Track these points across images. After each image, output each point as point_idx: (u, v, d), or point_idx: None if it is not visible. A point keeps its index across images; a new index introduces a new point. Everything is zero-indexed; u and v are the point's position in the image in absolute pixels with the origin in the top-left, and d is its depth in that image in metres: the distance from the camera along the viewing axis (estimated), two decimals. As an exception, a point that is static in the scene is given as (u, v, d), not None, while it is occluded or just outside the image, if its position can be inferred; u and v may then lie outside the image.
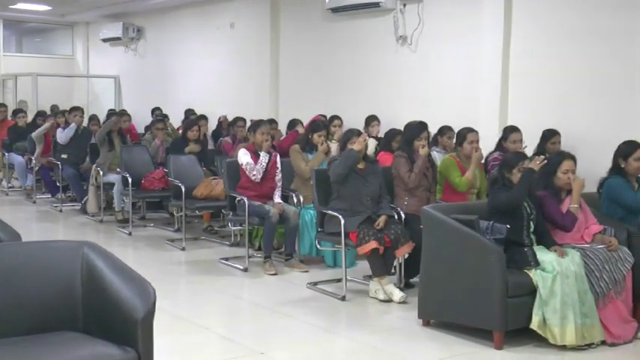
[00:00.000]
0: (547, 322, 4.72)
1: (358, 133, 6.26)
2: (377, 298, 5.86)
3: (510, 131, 7.02)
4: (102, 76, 15.76)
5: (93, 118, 11.48)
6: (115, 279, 3.26)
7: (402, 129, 7.32)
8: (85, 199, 9.74)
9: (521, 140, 6.94)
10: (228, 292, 6.26)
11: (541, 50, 7.65)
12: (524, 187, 5.04)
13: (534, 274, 4.79)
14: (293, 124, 9.08)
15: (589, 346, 4.76)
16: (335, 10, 9.74)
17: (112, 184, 9.17)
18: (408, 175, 6.23)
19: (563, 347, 4.70)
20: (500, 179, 5.21)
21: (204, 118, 10.65)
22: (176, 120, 11.83)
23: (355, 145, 6.05)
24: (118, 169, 8.99)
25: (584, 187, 5.25)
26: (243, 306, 6.09)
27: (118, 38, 14.39)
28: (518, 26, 7.82)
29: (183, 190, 7.74)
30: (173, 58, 13.39)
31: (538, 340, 4.77)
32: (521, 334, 4.81)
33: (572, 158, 5.32)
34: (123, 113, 11.32)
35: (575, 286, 4.78)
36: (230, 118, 10.45)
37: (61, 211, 10.14)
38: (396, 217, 6.12)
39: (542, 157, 5.21)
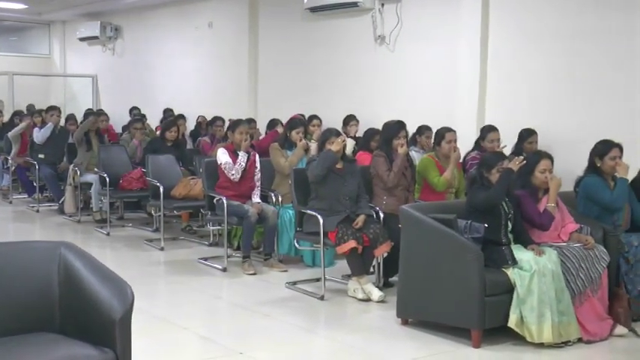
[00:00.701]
0: (524, 320, 4.75)
1: (336, 133, 6.26)
2: (356, 298, 5.87)
3: (488, 131, 7.07)
4: (79, 76, 15.65)
5: (70, 118, 11.38)
6: (92, 279, 3.24)
7: (381, 128, 7.34)
8: (62, 199, 9.66)
9: (498, 140, 6.99)
10: (207, 292, 6.25)
11: (518, 50, 7.71)
12: (503, 187, 5.06)
13: (512, 273, 4.82)
14: (273, 124, 9.07)
15: (566, 343, 4.81)
16: (313, 9, 9.75)
17: (89, 184, 9.11)
18: (387, 175, 6.25)
19: (541, 345, 4.74)
20: (479, 179, 5.23)
21: (182, 117, 10.61)
22: (154, 120, 11.77)
23: (333, 146, 6.05)
24: (96, 169, 8.94)
25: (561, 187, 5.29)
26: (222, 306, 6.07)
27: (96, 37, 14.30)
28: (496, 27, 7.87)
29: (161, 190, 7.70)
30: (151, 58, 13.33)
31: (515, 338, 4.80)
32: (499, 332, 4.84)
33: (550, 157, 5.36)
34: (100, 113, 11.25)
35: (552, 284, 4.82)
36: (208, 118, 10.43)
37: (38, 211, 10.06)
38: (375, 216, 6.13)
39: (522, 157, 5.23)
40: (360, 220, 5.93)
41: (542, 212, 5.17)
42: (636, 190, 5.59)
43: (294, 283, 6.34)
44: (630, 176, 5.62)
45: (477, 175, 5.28)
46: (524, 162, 5.18)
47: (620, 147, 5.60)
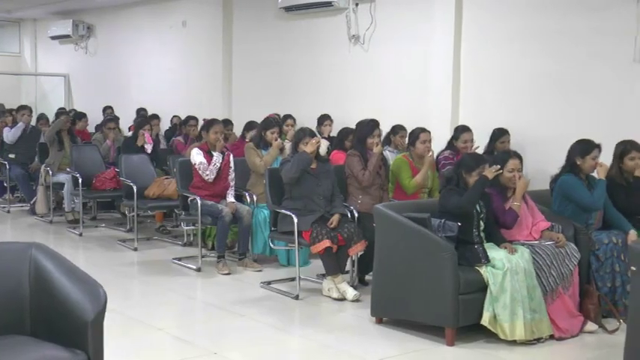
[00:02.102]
0: (497, 317, 4.79)
1: (310, 133, 6.26)
2: (330, 297, 5.88)
3: (461, 131, 7.10)
4: (51, 75, 15.48)
5: (42, 117, 11.28)
6: (64, 281, 3.21)
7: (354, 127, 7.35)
8: (33, 199, 9.57)
9: (472, 140, 7.03)
10: (181, 292, 6.22)
11: (491, 50, 7.76)
12: (476, 194, 5.07)
13: (485, 271, 4.85)
14: (250, 126, 8.93)
15: (538, 340, 4.85)
16: (288, 9, 9.74)
17: (61, 184, 9.04)
18: (362, 174, 6.26)
19: (513, 342, 4.78)
20: (455, 179, 5.23)
21: (156, 117, 10.56)
22: (128, 119, 11.69)
23: (307, 148, 6.05)
24: (68, 169, 8.87)
25: (528, 186, 5.34)
26: (196, 306, 6.05)
27: (68, 36, 14.16)
28: (469, 27, 7.92)
29: (135, 189, 7.67)
30: (125, 57, 13.23)
31: (489, 335, 4.84)
32: (473, 330, 4.88)
33: (519, 157, 5.40)
34: (80, 115, 11.10)
35: (524, 282, 4.87)
36: (183, 118, 10.37)
37: (8, 212, 9.96)
38: (349, 215, 6.15)
39: (498, 166, 5.20)
40: (335, 219, 5.94)
41: (506, 210, 5.21)
42: (607, 189, 5.64)
43: (269, 282, 6.34)
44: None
45: (454, 176, 5.28)
46: (500, 170, 5.20)
47: (599, 147, 5.65)
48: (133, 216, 8.08)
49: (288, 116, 9.01)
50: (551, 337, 4.93)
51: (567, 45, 7.11)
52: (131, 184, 7.75)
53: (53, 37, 14.71)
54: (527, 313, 4.81)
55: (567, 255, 5.14)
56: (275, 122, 7.56)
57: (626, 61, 6.63)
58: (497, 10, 7.72)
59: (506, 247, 5.00)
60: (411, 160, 6.55)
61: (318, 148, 6.18)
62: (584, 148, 5.64)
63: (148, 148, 8.71)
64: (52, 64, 15.39)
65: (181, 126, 10.15)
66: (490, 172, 5.12)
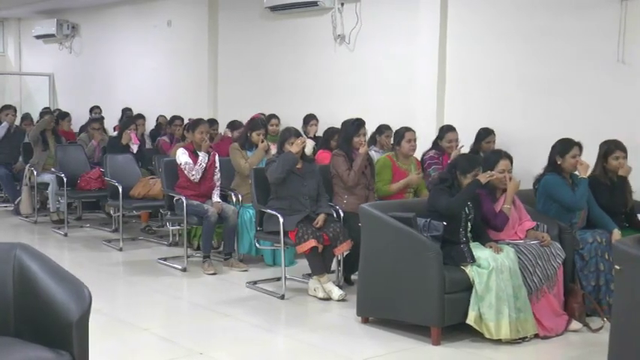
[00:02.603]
0: (483, 317, 4.81)
1: (296, 133, 6.25)
2: (316, 297, 5.88)
3: (446, 131, 7.12)
4: (35, 74, 15.37)
5: (26, 117, 11.22)
6: (48, 281, 3.19)
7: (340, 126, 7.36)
8: (18, 199, 9.52)
9: (457, 140, 7.05)
10: (167, 292, 6.20)
11: (477, 50, 7.78)
12: (467, 197, 5.08)
13: (470, 270, 4.87)
14: (234, 125, 8.92)
15: (523, 339, 4.87)
16: (273, 8, 9.73)
17: (46, 185, 9.00)
18: (347, 174, 6.27)
19: (499, 341, 4.80)
20: (450, 179, 5.22)
21: (141, 117, 10.52)
22: (113, 119, 11.65)
23: (293, 148, 6.04)
24: (53, 169, 8.82)
25: (519, 187, 5.36)
26: (182, 306, 6.04)
27: (52, 35, 14.08)
28: (454, 27, 7.94)
29: (120, 189, 7.64)
30: (110, 56, 13.17)
31: (474, 335, 4.86)
32: (458, 329, 4.89)
33: (509, 157, 5.42)
34: (64, 115, 11.06)
35: (509, 281, 4.88)
36: (168, 118, 10.34)
37: (-7, 212, 9.91)
38: (335, 215, 6.15)
39: (493, 173, 5.20)
40: (320, 219, 5.94)
41: (497, 213, 5.24)
42: (591, 189, 5.68)
43: (255, 282, 6.33)
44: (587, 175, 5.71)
45: (448, 177, 5.27)
46: (493, 176, 5.20)
47: (579, 145, 5.70)
48: (119, 216, 8.05)
49: (273, 116, 9.01)
50: (536, 336, 4.95)
51: (552, 45, 7.15)
52: (116, 184, 7.73)
53: (37, 37, 14.63)
54: (512, 312, 4.83)
55: (552, 254, 5.17)
56: (261, 123, 7.55)
57: (611, 61, 6.67)
58: (483, 10, 7.74)
59: (491, 247, 5.02)
60: (395, 161, 6.55)
61: (303, 148, 6.18)
62: (564, 147, 5.68)
63: (134, 148, 8.68)
64: (37, 64, 15.29)
65: (167, 126, 10.13)
66: (484, 177, 5.13)
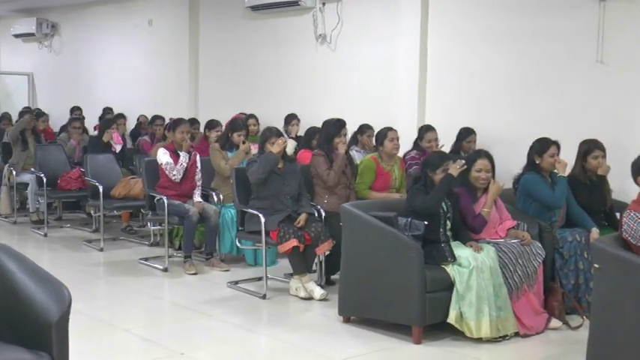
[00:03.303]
0: (463, 315, 4.83)
1: (277, 133, 6.25)
2: (298, 296, 5.88)
3: (426, 131, 7.15)
4: (14, 73, 15.23)
5: (4, 117, 11.12)
6: (27, 282, 3.17)
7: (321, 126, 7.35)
8: (-4, 199, 9.44)
9: (436, 139, 7.08)
10: (148, 292, 6.18)
11: (457, 51, 7.82)
12: (442, 193, 5.10)
13: (451, 270, 4.89)
14: (212, 125, 8.87)
15: (503, 337, 4.90)
16: (255, 8, 9.71)
17: (25, 184, 8.94)
18: (327, 174, 6.27)
19: (479, 340, 4.82)
20: (423, 178, 5.27)
21: (122, 117, 10.48)
22: (93, 119, 11.58)
23: (274, 148, 6.03)
24: (32, 169, 8.76)
25: (502, 190, 5.38)
26: (163, 306, 6.02)
27: (32, 34, 13.96)
28: (435, 27, 7.97)
29: (100, 189, 7.61)
30: (90, 56, 13.08)
31: (455, 333, 4.88)
32: (439, 328, 4.91)
33: (488, 157, 5.43)
34: (40, 114, 10.99)
35: (490, 280, 4.91)
36: (149, 117, 10.30)
37: (-29, 212, 9.81)
38: (316, 214, 6.15)
39: (463, 161, 5.24)
40: (302, 218, 5.94)
41: (476, 215, 5.26)
42: (570, 188, 5.73)
43: (236, 282, 6.32)
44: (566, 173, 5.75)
45: (421, 175, 5.32)
46: (465, 166, 5.23)
47: (557, 145, 5.75)
48: (99, 216, 8.00)
49: (251, 116, 8.99)
50: (517, 334, 4.98)
51: (532, 45, 7.19)
52: (97, 184, 7.69)
53: (16, 35, 14.49)
54: (492, 310, 4.86)
55: (532, 253, 5.20)
56: (242, 124, 7.53)
57: (590, 61, 6.72)
58: (463, 11, 7.78)
59: (472, 246, 5.04)
60: (379, 162, 6.55)
61: (284, 147, 6.17)
62: (541, 146, 5.73)
63: (117, 147, 8.66)
64: (16, 63, 15.15)
65: (148, 125, 10.09)
66: (454, 168, 5.15)
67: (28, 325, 3.10)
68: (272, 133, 6.21)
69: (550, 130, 6.13)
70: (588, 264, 5.32)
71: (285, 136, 7.16)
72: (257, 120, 8.94)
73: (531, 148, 5.81)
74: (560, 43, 6.97)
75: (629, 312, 3.85)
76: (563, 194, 5.61)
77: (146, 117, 10.62)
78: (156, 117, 9.72)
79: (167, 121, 9.11)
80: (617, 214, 5.11)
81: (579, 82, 6.87)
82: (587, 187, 5.84)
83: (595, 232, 5.52)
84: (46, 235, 8.39)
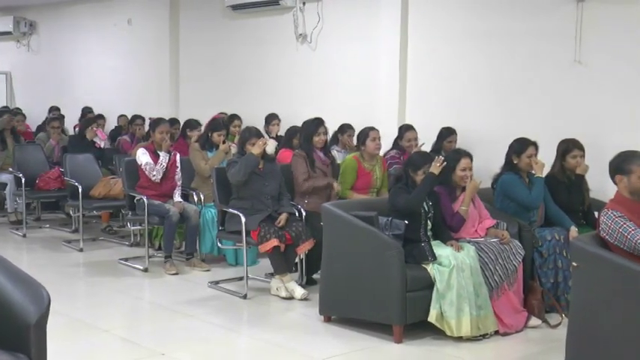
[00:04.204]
0: (444, 314, 4.85)
1: (256, 133, 6.23)
2: (279, 296, 5.88)
3: (405, 130, 7.18)
4: (-9, 72, 15.11)
5: (-18, 117, 11.00)
6: (5, 283, 3.14)
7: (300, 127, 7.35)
8: (-25, 200, 9.36)
9: (416, 139, 7.11)
10: (128, 292, 6.15)
11: (437, 50, 7.85)
12: (423, 192, 5.12)
13: (432, 269, 4.91)
14: (190, 125, 8.81)
15: (483, 336, 4.93)
16: (235, 7, 9.70)
17: (4, 185, 8.86)
18: (302, 179, 6.27)
19: (460, 338, 4.84)
20: (404, 177, 5.29)
21: (101, 117, 10.42)
22: (72, 118, 11.50)
23: (254, 149, 6.01)
24: (11, 169, 8.69)
25: (479, 188, 5.41)
26: (143, 307, 6.00)
27: (9, 33, 13.83)
28: (415, 27, 8.00)
29: (80, 189, 7.56)
30: (69, 55, 12.99)
31: (436, 332, 4.90)
32: (420, 327, 4.93)
33: (469, 156, 5.47)
34: (17, 113, 10.90)
35: (470, 279, 4.93)
36: (129, 117, 10.25)
37: (-51, 213, 9.71)
38: (297, 214, 6.15)
39: (442, 158, 5.26)
40: (283, 218, 5.94)
41: (454, 214, 5.28)
42: (547, 187, 5.78)
43: (217, 282, 6.31)
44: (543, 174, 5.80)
45: (402, 174, 5.34)
46: (445, 163, 5.25)
47: (535, 145, 5.80)
48: (79, 216, 7.95)
49: (235, 117, 8.96)
50: (497, 332, 5.01)
51: (511, 46, 7.24)
52: (76, 184, 7.64)
53: (-7, 34, 14.37)
54: (473, 309, 4.88)
55: (512, 252, 5.23)
56: (223, 124, 7.51)
57: (568, 61, 6.78)
58: (443, 11, 7.81)
59: (452, 245, 5.07)
60: (361, 162, 6.55)
61: (264, 148, 6.17)
62: (519, 146, 5.78)
63: (102, 143, 8.64)
64: (-7, 62, 15.02)
65: (128, 125, 10.04)
66: (435, 167, 5.17)
67: (6, 327, 3.07)
68: (251, 133, 6.20)
69: (529, 130, 6.18)
70: (567, 262, 5.36)
71: (266, 136, 7.15)
72: (241, 121, 8.91)
73: (510, 147, 5.85)
74: (539, 44, 7.02)
75: (607, 310, 3.89)
76: (539, 195, 5.65)
77: (127, 117, 10.56)
78: (136, 117, 9.69)
79: (147, 120, 9.07)
80: (596, 213, 5.15)
81: (558, 82, 6.92)
82: (566, 186, 5.89)
83: (574, 230, 5.57)
84: (24, 235, 8.32)
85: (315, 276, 6.23)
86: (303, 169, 6.29)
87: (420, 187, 5.14)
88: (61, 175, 8.32)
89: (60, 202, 9.09)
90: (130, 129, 9.71)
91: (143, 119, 9.50)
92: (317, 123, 6.47)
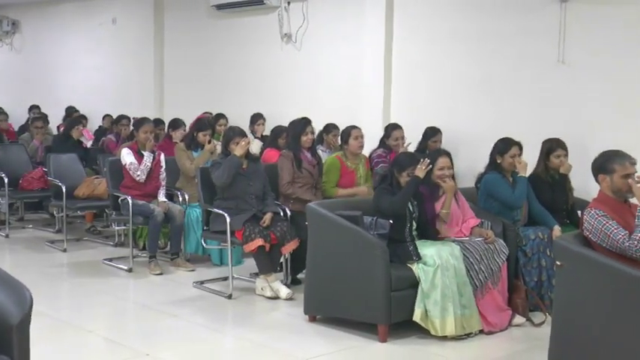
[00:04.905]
0: (429, 314, 4.86)
1: (240, 133, 6.22)
2: (264, 296, 5.87)
3: (392, 129, 7.19)
4: (-26, 72, 14.99)
5: (-37, 117, 10.94)
6: (-13, 284, 3.12)
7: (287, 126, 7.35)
8: (-43, 200, 9.28)
9: (403, 137, 7.12)
10: (113, 293, 6.13)
11: (422, 50, 7.87)
12: (408, 195, 5.12)
13: (416, 268, 4.92)
14: (176, 124, 8.79)
15: (468, 335, 4.95)
16: (220, 7, 9.68)
17: (-14, 185, 8.78)
18: (286, 180, 6.26)
19: (444, 338, 4.86)
20: (389, 177, 5.29)
21: (84, 118, 10.38)
22: (56, 118, 11.43)
23: (237, 150, 5.99)
24: (-7, 169, 8.63)
25: (457, 185, 5.42)
26: (128, 307, 5.97)
27: (-9, 32, 13.76)
28: (400, 27, 8.01)
29: (64, 189, 7.52)
30: (53, 54, 12.92)
31: (420, 331, 4.91)
32: (405, 326, 4.93)
33: (448, 155, 5.48)
34: None
35: (454, 278, 4.95)
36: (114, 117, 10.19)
37: None
38: (282, 214, 6.15)
39: (427, 161, 5.23)
40: (267, 218, 5.93)
41: (435, 215, 5.29)
42: (531, 186, 5.80)
43: (202, 282, 6.29)
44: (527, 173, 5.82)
45: (388, 174, 5.34)
46: (430, 166, 5.24)
47: (519, 145, 5.82)
48: (62, 216, 7.91)
49: (221, 116, 8.95)
50: (481, 331, 5.03)
51: (495, 46, 7.27)
52: (59, 184, 7.60)
53: (-25, 33, 14.27)
54: (457, 308, 4.90)
55: (496, 251, 5.25)
56: (208, 124, 7.49)
57: (552, 61, 6.81)
58: (427, 11, 7.83)
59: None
60: (344, 161, 6.56)
61: (247, 148, 6.16)
62: (503, 146, 5.80)
63: (88, 143, 8.61)
64: (-25, 61, 14.90)
65: (113, 125, 10.00)
66: (421, 170, 5.17)
67: (-11, 328, 3.05)
68: (235, 133, 6.19)
69: (513, 129, 6.21)
70: (551, 261, 5.39)
71: (250, 135, 7.14)
72: (227, 120, 8.90)
73: (494, 147, 5.87)
74: (522, 44, 7.05)
75: (591, 308, 3.92)
76: (523, 194, 5.68)
77: (111, 117, 10.52)
78: (121, 117, 9.63)
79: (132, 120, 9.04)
80: (579, 212, 5.18)
81: (541, 81, 6.95)
82: (550, 186, 5.92)
83: (557, 229, 5.60)
84: (7, 236, 8.27)
85: (300, 275, 6.24)
86: (288, 171, 6.29)
87: (405, 190, 5.14)
88: (44, 175, 8.27)
89: (43, 203, 9.04)
90: (116, 129, 9.67)
91: (129, 119, 9.47)
92: (304, 122, 6.47)
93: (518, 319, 5.23)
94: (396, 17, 8.02)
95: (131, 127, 9.15)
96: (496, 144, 5.88)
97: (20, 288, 3.08)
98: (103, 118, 10.89)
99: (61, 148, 8.47)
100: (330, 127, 7.61)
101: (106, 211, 7.95)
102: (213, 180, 6.01)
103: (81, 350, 4.76)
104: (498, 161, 5.80)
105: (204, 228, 6.23)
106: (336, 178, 6.47)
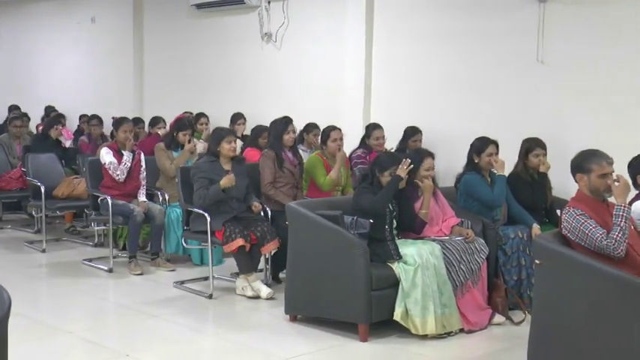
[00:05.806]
0: (409, 313, 4.87)
1: (229, 132, 6.22)
2: (244, 295, 5.86)
3: (373, 129, 7.20)
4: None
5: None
6: (-35, 285, 3.09)
7: (268, 126, 7.34)
8: None
9: (383, 137, 7.13)
10: (92, 293, 6.09)
11: (402, 50, 7.88)
12: (389, 194, 5.13)
13: (397, 267, 4.93)
14: (155, 122, 8.79)
15: (448, 334, 4.97)
16: (199, 6, 9.65)
17: (-36, 185, 8.69)
18: (267, 180, 6.25)
19: (425, 337, 4.88)
20: (370, 177, 5.31)
21: (62, 117, 10.29)
22: (35, 117, 11.34)
23: (223, 181, 5.85)
24: (-29, 169, 8.55)
25: (433, 188, 5.44)
26: (107, 307, 5.94)
27: (-31, 30, 13.61)
28: (380, 27, 8.02)
29: (42, 189, 7.46)
30: (31, 53, 12.81)
31: (401, 330, 4.92)
32: (385, 325, 4.95)
33: (432, 156, 5.51)
34: None
35: (435, 277, 4.97)
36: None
37: None
38: (262, 214, 6.14)
39: (409, 161, 5.23)
40: (257, 204, 5.99)
41: (415, 216, 5.31)
42: (510, 186, 5.84)
43: (182, 282, 6.28)
44: (505, 172, 5.85)
45: (368, 173, 5.35)
46: (412, 165, 5.25)
47: (496, 144, 5.85)
48: (41, 217, 7.85)
49: (202, 115, 8.92)
50: (461, 330, 5.06)
51: (474, 45, 7.30)
52: (38, 184, 7.54)
53: (-48, 31, 14.09)
54: (437, 307, 4.92)
55: (476, 250, 5.28)
56: (188, 123, 7.47)
57: (531, 60, 6.85)
58: (408, 11, 7.85)
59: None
60: (325, 159, 6.60)
61: (233, 153, 6.14)
62: (480, 145, 5.84)
63: (67, 143, 8.55)
64: (-48, 60, 14.74)
65: (84, 125, 9.96)
66: (402, 170, 5.18)
67: (-33, 330, 3.02)
68: (225, 132, 6.18)
69: (492, 129, 6.24)
70: (530, 260, 5.41)
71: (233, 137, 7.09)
72: (208, 119, 8.87)
73: (471, 147, 5.90)
74: (501, 43, 7.09)
75: (570, 306, 3.95)
76: (502, 193, 5.72)
77: (87, 116, 10.45)
78: (92, 117, 9.55)
79: (110, 120, 8.98)
80: (558, 211, 5.22)
81: (520, 81, 6.99)
82: (529, 185, 5.96)
83: (536, 228, 5.64)
84: (-15, 236, 8.22)
85: (281, 275, 6.23)
86: (270, 170, 6.28)
87: (386, 189, 5.15)
88: (22, 175, 8.20)
89: (22, 203, 8.95)
90: (87, 129, 9.61)
91: (100, 119, 9.41)
92: (286, 121, 6.47)
93: (498, 317, 5.26)
94: (377, 17, 8.04)
95: (104, 128, 9.18)
96: (473, 143, 5.91)
97: (-2, 289, 3.06)
98: (80, 118, 10.81)
99: (39, 148, 8.40)
100: (310, 127, 7.63)
101: (86, 211, 7.90)
102: (194, 201, 5.96)
103: (60, 351, 4.73)
104: (476, 160, 5.83)
105: (185, 228, 6.21)
106: (323, 171, 6.50)
